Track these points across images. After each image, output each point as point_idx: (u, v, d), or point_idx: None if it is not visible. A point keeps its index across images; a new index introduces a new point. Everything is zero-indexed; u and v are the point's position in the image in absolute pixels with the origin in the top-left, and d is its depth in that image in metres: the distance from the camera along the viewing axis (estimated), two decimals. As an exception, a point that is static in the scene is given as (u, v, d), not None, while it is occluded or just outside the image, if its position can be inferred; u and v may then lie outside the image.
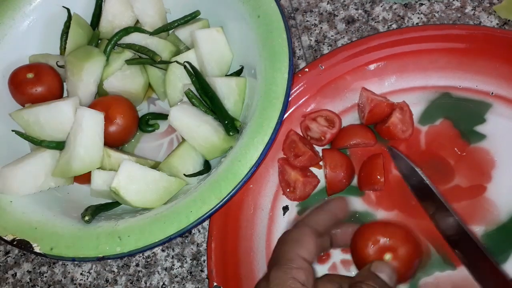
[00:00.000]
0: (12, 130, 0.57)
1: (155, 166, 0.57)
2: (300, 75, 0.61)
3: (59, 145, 0.56)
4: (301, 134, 0.60)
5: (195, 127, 0.55)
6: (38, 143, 0.56)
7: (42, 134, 0.56)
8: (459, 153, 0.57)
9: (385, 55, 0.60)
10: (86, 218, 0.51)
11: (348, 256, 0.54)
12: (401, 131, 0.57)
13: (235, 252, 0.56)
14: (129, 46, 0.61)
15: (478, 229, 0.53)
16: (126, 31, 0.62)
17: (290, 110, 0.61)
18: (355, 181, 0.58)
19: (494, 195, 0.54)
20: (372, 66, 0.61)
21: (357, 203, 0.57)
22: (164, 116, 0.63)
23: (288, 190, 0.58)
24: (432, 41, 0.59)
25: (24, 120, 0.56)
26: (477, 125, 0.57)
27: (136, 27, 0.63)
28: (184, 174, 0.55)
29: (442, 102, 0.59)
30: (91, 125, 0.54)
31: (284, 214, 0.58)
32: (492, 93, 0.58)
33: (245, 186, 0.48)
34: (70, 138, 0.54)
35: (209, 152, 0.55)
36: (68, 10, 0.64)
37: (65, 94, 0.64)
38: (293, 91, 0.60)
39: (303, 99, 0.61)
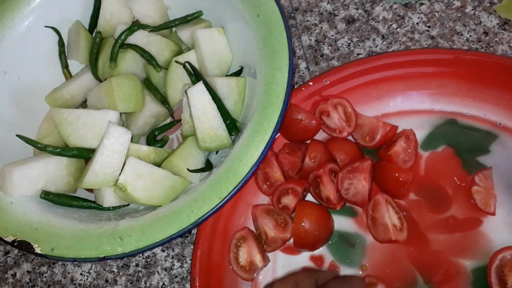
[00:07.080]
0: (17, 135, 0.56)
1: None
2: (303, 89, 0.60)
3: (64, 151, 0.54)
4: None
5: (213, 109, 0.54)
6: (42, 148, 0.54)
7: (73, 135, 0.55)
8: (459, 183, 0.55)
9: (393, 75, 0.58)
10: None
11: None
12: (403, 161, 0.56)
13: (220, 262, 0.55)
14: (132, 47, 0.61)
15: (469, 264, 0.51)
16: (131, 30, 0.61)
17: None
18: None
19: (490, 230, 0.52)
20: (378, 85, 0.59)
21: (348, 225, 0.56)
22: (169, 125, 0.63)
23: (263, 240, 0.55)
24: (442, 65, 0.57)
25: (62, 117, 0.55)
26: (480, 155, 0.55)
27: (140, 25, 0.62)
28: (188, 169, 0.54)
29: (447, 129, 0.57)
30: (112, 143, 0.53)
31: None
32: (500, 124, 0.56)
33: (236, 196, 0.47)
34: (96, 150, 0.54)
35: (211, 140, 0.54)
36: (59, 33, 0.64)
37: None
38: (293, 102, 0.59)
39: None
